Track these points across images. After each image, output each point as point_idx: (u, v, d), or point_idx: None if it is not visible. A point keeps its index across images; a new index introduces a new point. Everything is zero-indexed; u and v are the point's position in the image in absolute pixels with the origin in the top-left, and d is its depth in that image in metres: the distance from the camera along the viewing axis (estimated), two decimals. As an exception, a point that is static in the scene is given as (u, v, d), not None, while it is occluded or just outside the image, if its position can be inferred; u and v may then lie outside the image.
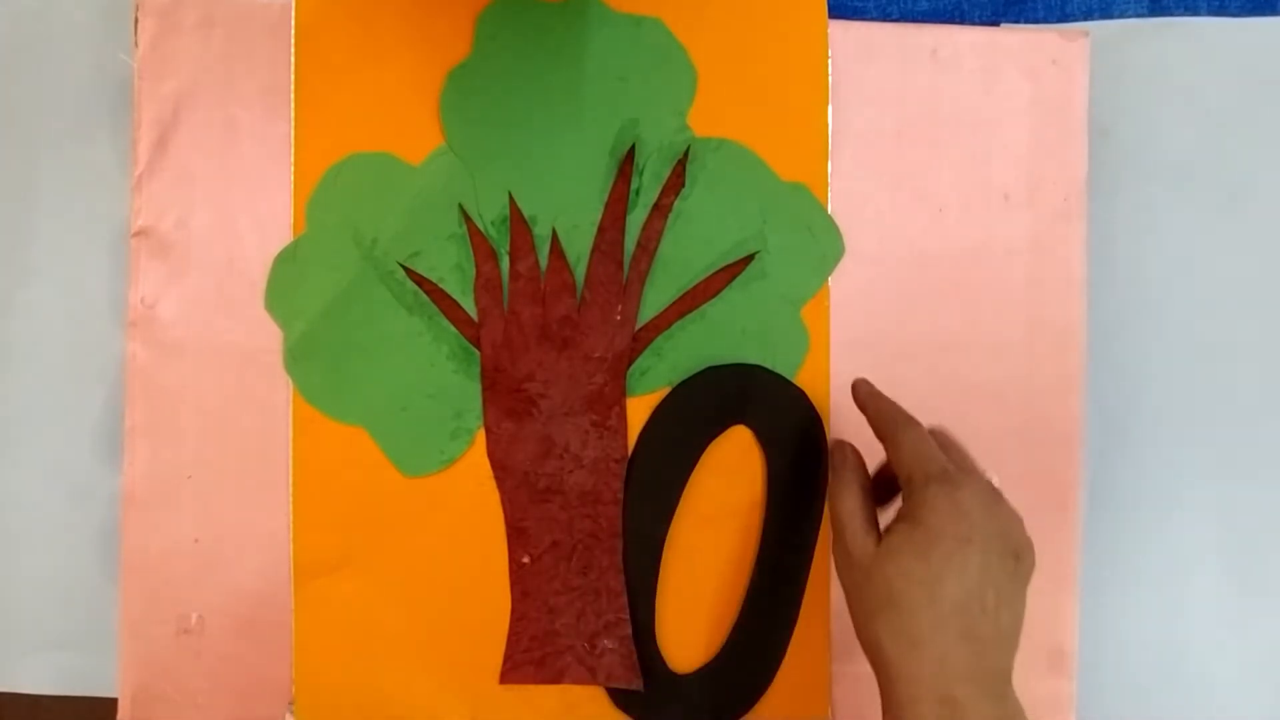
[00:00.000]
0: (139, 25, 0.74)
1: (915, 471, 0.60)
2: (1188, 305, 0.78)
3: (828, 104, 0.75)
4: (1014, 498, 0.73)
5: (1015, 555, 0.58)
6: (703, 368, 0.74)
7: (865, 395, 0.68)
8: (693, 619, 0.75)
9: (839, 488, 0.64)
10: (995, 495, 0.60)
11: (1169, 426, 0.78)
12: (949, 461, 0.61)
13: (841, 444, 0.67)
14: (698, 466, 0.74)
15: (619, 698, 0.74)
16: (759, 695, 0.74)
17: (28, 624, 0.78)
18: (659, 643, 0.74)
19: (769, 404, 0.74)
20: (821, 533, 0.74)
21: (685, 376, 0.74)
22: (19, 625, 0.78)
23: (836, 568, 0.63)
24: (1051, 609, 0.74)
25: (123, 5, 0.74)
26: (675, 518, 0.74)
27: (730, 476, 0.75)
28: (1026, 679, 0.73)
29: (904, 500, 0.60)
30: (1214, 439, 0.78)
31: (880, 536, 0.60)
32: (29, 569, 0.78)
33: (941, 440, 0.64)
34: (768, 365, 0.74)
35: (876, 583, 0.58)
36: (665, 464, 0.74)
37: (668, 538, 0.74)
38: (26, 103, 0.77)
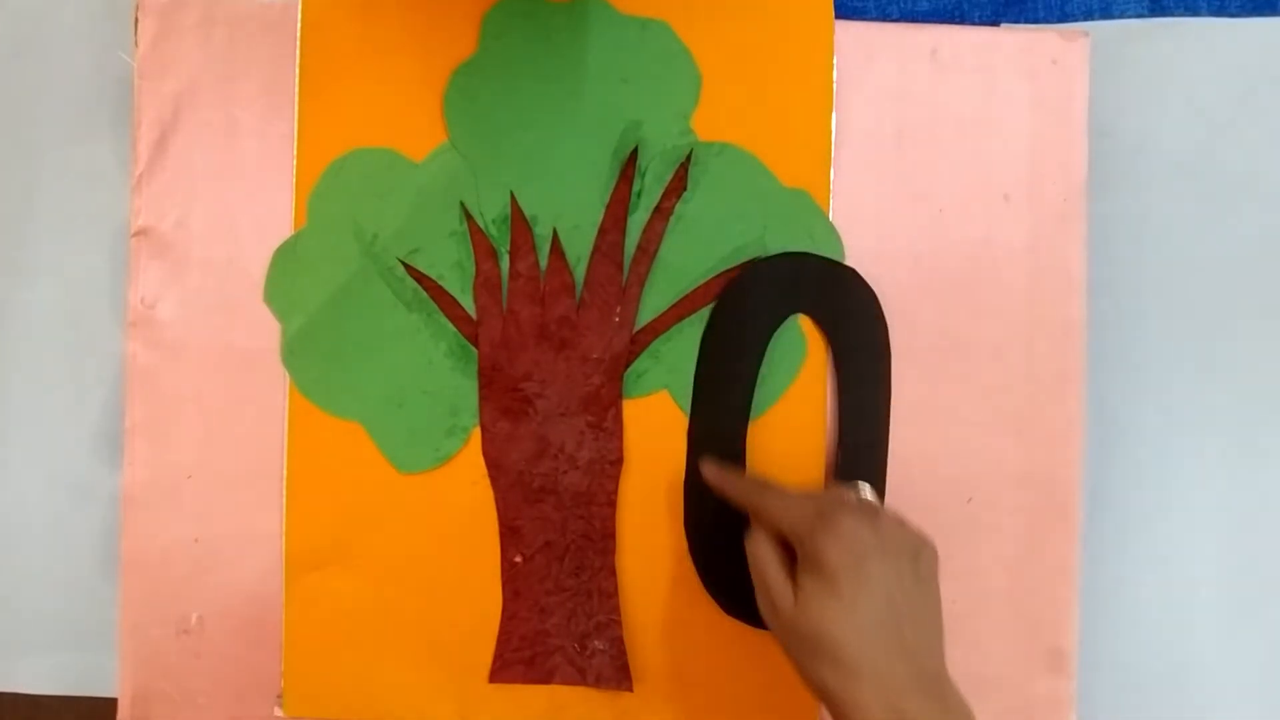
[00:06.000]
0: (139, 25, 0.74)
1: (796, 525, 0.63)
2: (1188, 305, 0.77)
3: (831, 110, 0.75)
4: (1015, 498, 0.73)
5: (912, 556, 0.62)
6: (746, 260, 0.75)
7: (716, 476, 0.72)
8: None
9: (755, 542, 0.66)
10: (870, 509, 0.63)
11: (1169, 426, 0.77)
12: (817, 499, 0.65)
13: (761, 486, 0.69)
14: (765, 360, 0.74)
15: (722, 599, 0.74)
16: None
17: (28, 624, 0.78)
18: None
19: (823, 289, 0.74)
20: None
21: (682, 379, 0.74)
22: (19, 625, 0.78)
23: (764, 619, 0.64)
24: (1051, 609, 0.74)
25: (123, 5, 0.75)
26: (752, 413, 0.74)
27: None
28: (1026, 679, 0.74)
29: (798, 551, 0.63)
30: (1214, 438, 0.77)
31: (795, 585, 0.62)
32: (29, 569, 0.78)
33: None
34: (764, 370, 0.74)
35: (803, 631, 0.60)
36: (731, 363, 0.74)
37: (748, 434, 0.74)
38: (26, 103, 0.78)
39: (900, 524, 0.63)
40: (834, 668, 0.58)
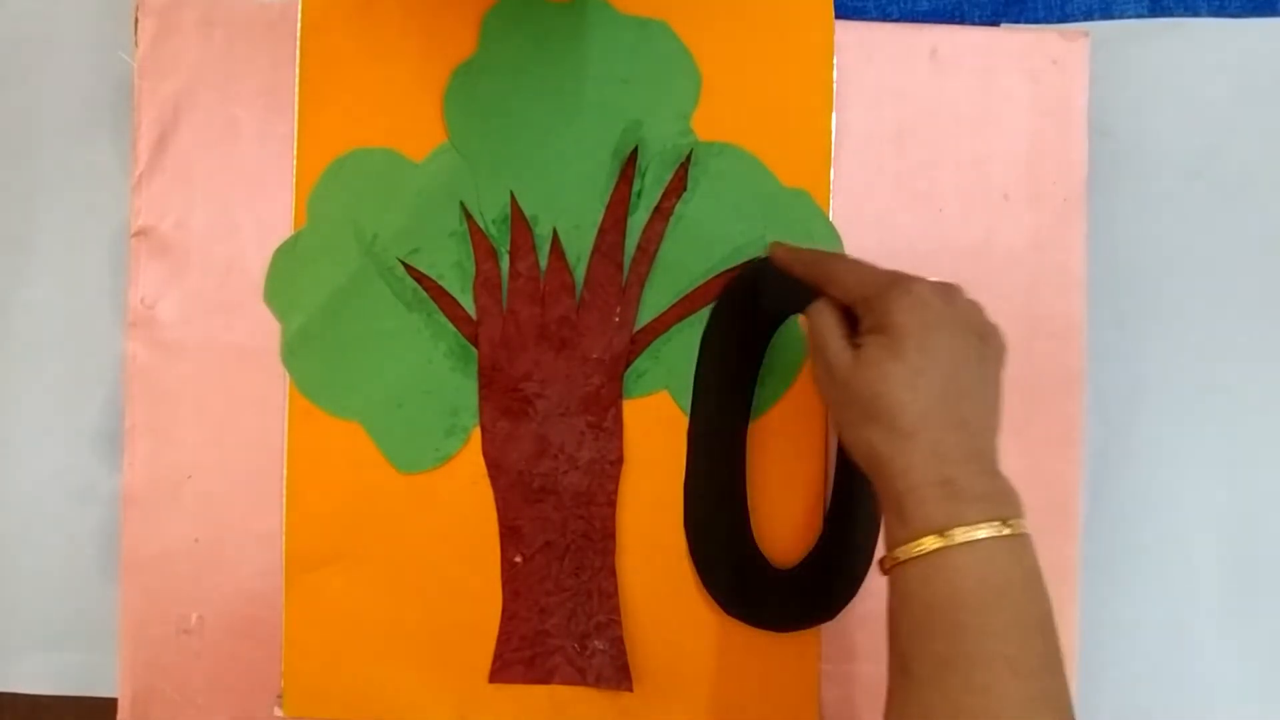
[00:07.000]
0: (139, 25, 0.74)
1: (866, 288, 0.62)
2: (1188, 304, 0.77)
3: (831, 110, 0.75)
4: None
5: (980, 336, 0.60)
6: (746, 260, 0.74)
7: (786, 253, 0.70)
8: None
9: (817, 307, 0.64)
10: (947, 285, 0.61)
11: (1169, 426, 0.77)
12: (892, 270, 0.63)
13: (833, 255, 0.68)
14: (765, 360, 0.74)
15: (722, 598, 0.74)
16: (861, 580, 0.74)
17: (28, 624, 0.78)
18: (757, 542, 0.74)
19: None
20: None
21: (682, 379, 0.74)
22: (19, 625, 0.78)
23: (817, 384, 0.64)
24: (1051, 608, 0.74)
25: (123, 5, 0.75)
26: (752, 414, 0.74)
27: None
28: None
29: (864, 317, 0.62)
30: (1214, 438, 0.77)
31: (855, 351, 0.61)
32: (29, 569, 0.78)
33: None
34: (764, 370, 0.74)
35: (859, 390, 0.59)
36: (731, 364, 0.74)
37: (748, 434, 0.74)
38: (26, 103, 0.78)
39: (974, 304, 0.62)
40: (888, 430, 0.57)
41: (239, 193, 0.75)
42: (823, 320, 0.63)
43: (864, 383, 0.59)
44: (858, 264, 0.65)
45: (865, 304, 0.61)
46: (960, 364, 0.59)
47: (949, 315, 0.59)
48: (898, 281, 0.60)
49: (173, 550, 0.75)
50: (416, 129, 0.74)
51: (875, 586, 0.74)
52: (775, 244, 0.71)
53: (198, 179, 0.75)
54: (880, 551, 0.59)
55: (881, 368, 0.58)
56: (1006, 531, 0.55)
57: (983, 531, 0.55)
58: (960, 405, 0.58)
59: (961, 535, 0.55)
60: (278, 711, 0.74)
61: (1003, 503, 0.57)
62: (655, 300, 0.75)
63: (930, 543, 0.55)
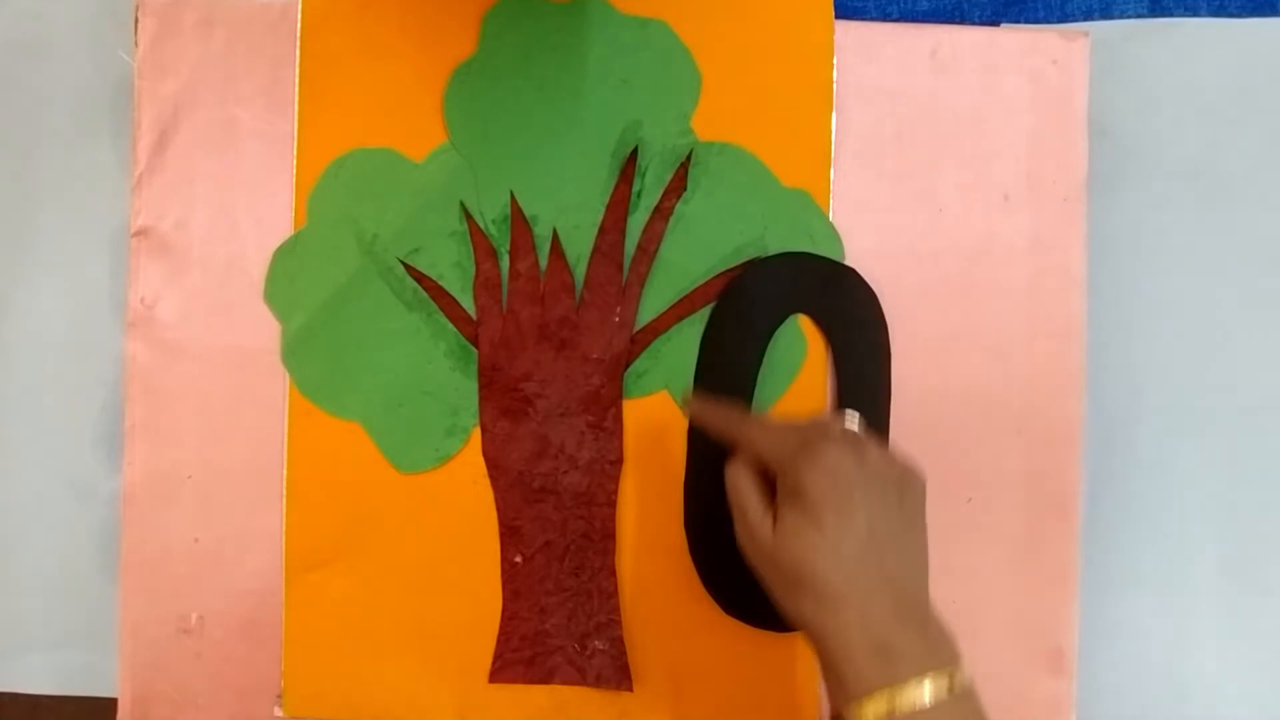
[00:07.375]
0: (139, 25, 0.74)
1: (777, 452, 0.62)
2: (1188, 305, 0.77)
3: (832, 110, 0.75)
4: (1014, 498, 0.73)
5: (897, 486, 0.61)
6: (746, 260, 0.74)
7: (698, 409, 0.72)
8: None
9: (733, 471, 0.65)
10: (856, 440, 0.61)
11: (1169, 426, 0.77)
12: (801, 429, 0.63)
13: (744, 415, 0.68)
14: (765, 360, 0.74)
15: (722, 598, 0.74)
16: None
17: (28, 624, 0.78)
18: None
19: (823, 289, 0.74)
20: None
21: (682, 379, 0.74)
22: (19, 625, 0.78)
23: (742, 550, 0.64)
24: (1051, 609, 0.74)
25: (123, 5, 0.75)
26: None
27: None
28: (1026, 679, 0.73)
29: (779, 478, 0.62)
30: (1214, 439, 0.77)
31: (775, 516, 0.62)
32: (29, 569, 0.78)
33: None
34: (764, 370, 0.74)
35: (782, 561, 0.59)
36: (732, 362, 0.74)
37: None
38: (26, 103, 0.78)
39: (886, 455, 0.62)
40: (816, 601, 0.58)
41: (239, 193, 0.75)
42: (740, 486, 0.64)
43: (786, 554, 0.59)
44: (767, 427, 0.65)
45: (779, 467, 0.62)
46: (879, 521, 0.59)
47: (861, 476, 0.59)
48: (806, 445, 0.60)
49: (173, 550, 0.75)
50: (416, 129, 0.74)
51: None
52: (691, 400, 0.73)
53: (198, 179, 0.75)
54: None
55: (801, 538, 0.59)
56: (945, 686, 0.56)
57: (925, 696, 0.55)
58: (885, 563, 0.58)
59: (903, 702, 0.55)
60: (278, 711, 0.74)
61: (939, 655, 0.57)
62: (655, 300, 0.75)
63: (872, 712, 0.55)
